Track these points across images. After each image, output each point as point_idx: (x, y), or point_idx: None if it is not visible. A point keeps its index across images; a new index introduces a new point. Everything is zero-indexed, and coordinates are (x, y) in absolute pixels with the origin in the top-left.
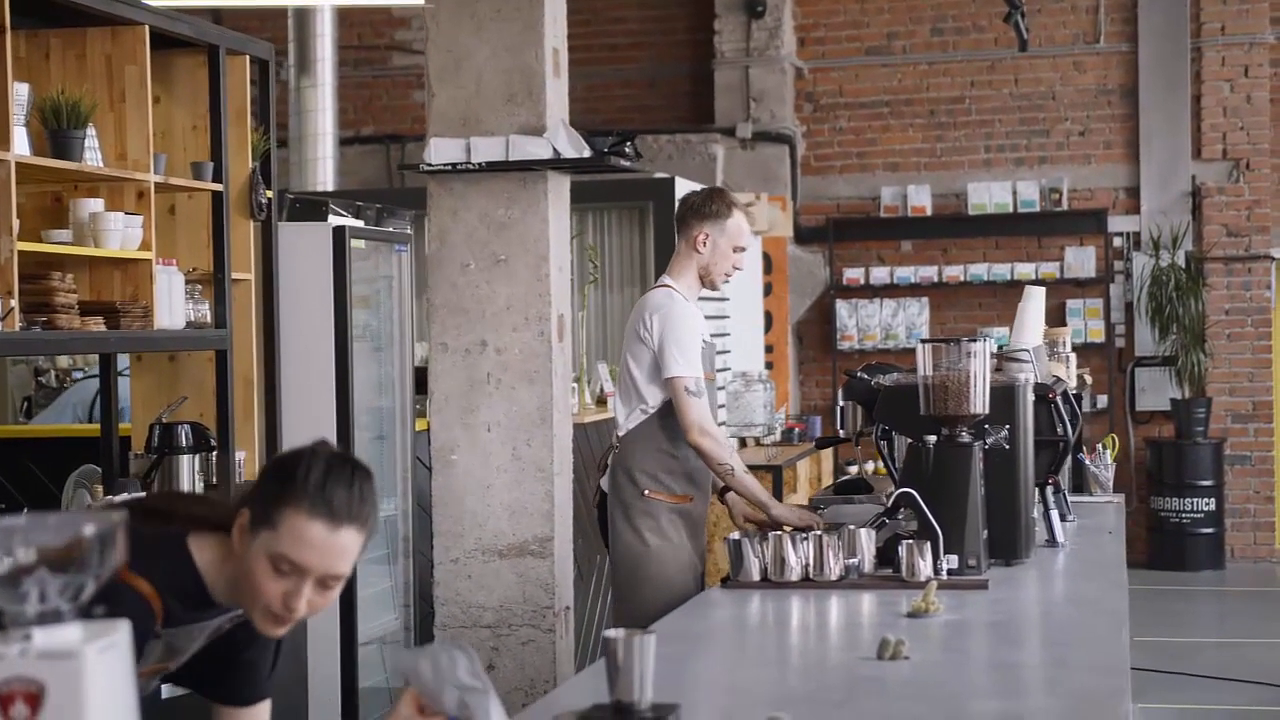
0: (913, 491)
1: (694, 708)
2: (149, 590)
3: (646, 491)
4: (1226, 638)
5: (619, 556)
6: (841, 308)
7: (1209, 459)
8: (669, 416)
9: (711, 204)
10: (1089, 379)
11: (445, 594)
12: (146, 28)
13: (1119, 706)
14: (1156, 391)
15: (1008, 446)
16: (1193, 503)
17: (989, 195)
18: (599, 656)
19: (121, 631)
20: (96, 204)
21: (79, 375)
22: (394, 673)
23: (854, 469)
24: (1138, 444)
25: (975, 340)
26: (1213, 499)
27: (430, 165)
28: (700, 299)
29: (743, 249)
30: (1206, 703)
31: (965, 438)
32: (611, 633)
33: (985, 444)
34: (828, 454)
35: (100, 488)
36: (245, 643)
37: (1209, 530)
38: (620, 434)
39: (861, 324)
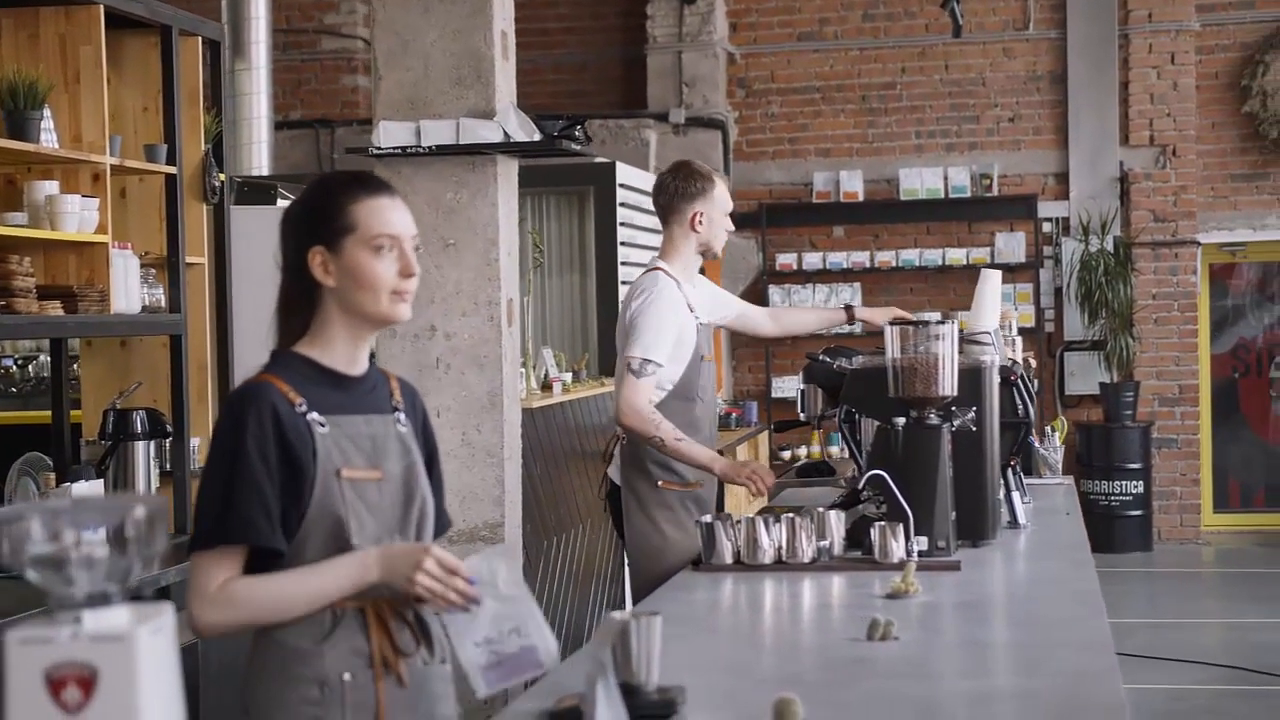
0: (883, 474)
1: (698, 690)
2: (272, 377)
3: (660, 482)
4: (1156, 618)
5: (635, 548)
6: (775, 293)
7: (1137, 442)
8: (677, 400)
9: (696, 183)
10: (1034, 361)
11: None
12: (101, 7)
13: (1114, 684)
14: (1085, 375)
15: (975, 428)
16: (1121, 485)
17: (920, 181)
18: (566, 639)
19: (167, 615)
20: (52, 186)
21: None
22: None
23: (803, 451)
24: (1067, 427)
25: (944, 323)
26: (1141, 481)
27: (379, 149)
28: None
29: (730, 210)
30: (1138, 682)
31: (934, 420)
32: (619, 615)
33: (953, 426)
34: (764, 439)
35: (53, 475)
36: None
37: (1137, 513)
38: None
39: None
